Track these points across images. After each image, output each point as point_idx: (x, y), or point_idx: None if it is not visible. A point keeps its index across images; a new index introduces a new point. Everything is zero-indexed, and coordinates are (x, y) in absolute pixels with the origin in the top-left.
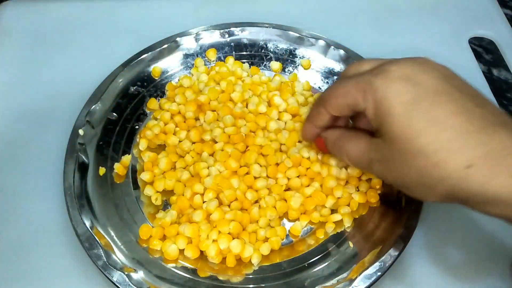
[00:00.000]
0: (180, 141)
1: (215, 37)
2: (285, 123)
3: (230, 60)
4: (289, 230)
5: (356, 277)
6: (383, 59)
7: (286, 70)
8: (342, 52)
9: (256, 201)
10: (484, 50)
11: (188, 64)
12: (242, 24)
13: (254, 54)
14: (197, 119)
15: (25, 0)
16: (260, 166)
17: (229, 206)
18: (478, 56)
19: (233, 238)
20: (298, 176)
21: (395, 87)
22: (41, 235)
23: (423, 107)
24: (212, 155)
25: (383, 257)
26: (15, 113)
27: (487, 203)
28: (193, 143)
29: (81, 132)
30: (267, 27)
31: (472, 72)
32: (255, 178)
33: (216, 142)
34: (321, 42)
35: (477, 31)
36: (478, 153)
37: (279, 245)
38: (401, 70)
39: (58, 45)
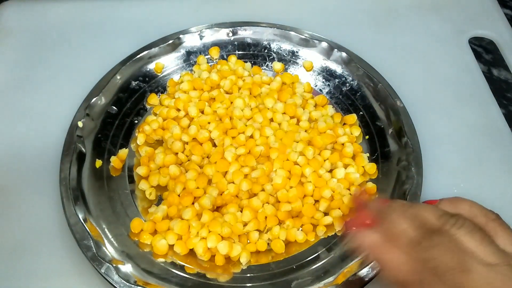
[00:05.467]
0: (173, 141)
1: (218, 35)
2: (280, 124)
3: (233, 58)
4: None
5: (343, 282)
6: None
7: (288, 71)
8: (344, 54)
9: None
10: (484, 50)
11: (191, 61)
12: (246, 24)
13: (257, 54)
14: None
15: (25, 0)
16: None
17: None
18: (478, 56)
19: (223, 239)
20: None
21: None
22: (37, 229)
23: None
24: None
25: (371, 263)
26: (15, 112)
27: None
28: (187, 143)
29: (80, 124)
30: (271, 27)
31: (472, 72)
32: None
33: (214, 143)
34: (324, 44)
35: (477, 31)
36: None
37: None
38: None
39: (58, 45)
